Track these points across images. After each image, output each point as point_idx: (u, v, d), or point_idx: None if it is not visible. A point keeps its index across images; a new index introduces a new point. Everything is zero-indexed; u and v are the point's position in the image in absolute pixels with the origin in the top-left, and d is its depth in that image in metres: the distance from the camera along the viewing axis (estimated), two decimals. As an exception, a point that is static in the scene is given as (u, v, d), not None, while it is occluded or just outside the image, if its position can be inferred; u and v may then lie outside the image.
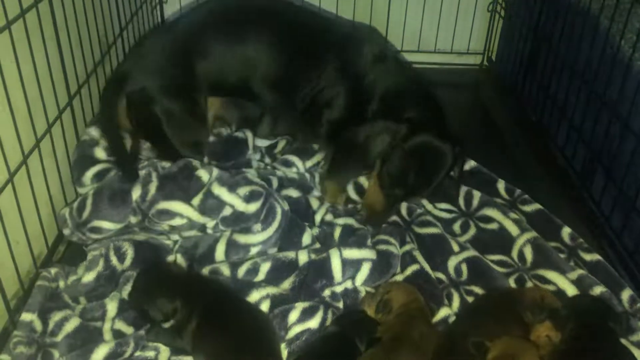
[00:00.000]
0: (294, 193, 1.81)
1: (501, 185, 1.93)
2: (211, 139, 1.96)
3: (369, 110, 1.81)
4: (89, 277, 1.47)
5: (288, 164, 1.96)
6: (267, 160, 2.02)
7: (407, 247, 1.66)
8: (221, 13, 1.88)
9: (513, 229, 1.70)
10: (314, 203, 1.80)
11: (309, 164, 1.96)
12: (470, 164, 2.01)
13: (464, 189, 1.87)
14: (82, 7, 1.80)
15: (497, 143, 2.29)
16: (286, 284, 1.54)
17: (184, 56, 1.78)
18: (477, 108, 2.61)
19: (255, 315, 1.41)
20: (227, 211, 1.61)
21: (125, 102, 1.72)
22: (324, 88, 1.86)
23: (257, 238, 1.61)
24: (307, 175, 1.93)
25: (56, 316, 1.39)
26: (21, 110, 1.44)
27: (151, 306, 1.35)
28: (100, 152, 1.74)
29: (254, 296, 1.47)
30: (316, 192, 1.88)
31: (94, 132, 1.78)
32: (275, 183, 1.84)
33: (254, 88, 1.89)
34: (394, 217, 1.79)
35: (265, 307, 1.45)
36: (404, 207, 1.82)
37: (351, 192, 1.87)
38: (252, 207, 1.61)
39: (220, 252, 1.60)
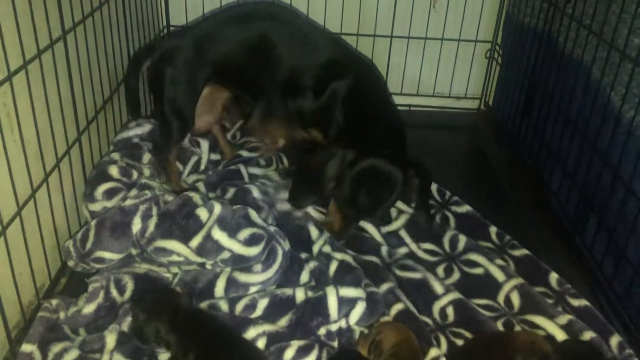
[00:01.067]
0: (290, 207, 1.93)
1: (493, 230, 1.97)
2: (209, 172, 2.08)
3: (332, 134, 2.00)
4: (89, 309, 1.50)
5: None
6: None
7: (389, 284, 1.68)
8: (240, 13, 2.12)
9: (499, 275, 1.73)
10: (314, 233, 1.84)
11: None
12: (464, 208, 2.06)
13: (450, 233, 1.91)
14: (95, 47, 1.88)
15: (492, 186, 2.34)
16: (283, 321, 1.56)
17: (201, 41, 2.00)
18: (474, 151, 2.67)
19: (252, 355, 1.43)
20: (225, 254, 1.63)
21: (150, 61, 2.02)
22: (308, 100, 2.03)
23: (257, 278, 1.64)
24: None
25: (56, 347, 1.42)
26: (32, 145, 1.50)
27: (149, 327, 1.41)
28: (114, 170, 1.81)
29: (250, 333, 1.49)
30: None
31: (115, 155, 1.91)
32: (271, 192, 1.96)
33: (252, 82, 2.07)
34: (374, 259, 1.83)
35: (261, 344, 1.48)
36: (384, 249, 1.86)
37: (310, 210, 1.98)
38: (253, 251, 1.64)
39: (219, 288, 1.62)
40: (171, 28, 2.71)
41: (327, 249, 1.81)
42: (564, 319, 1.58)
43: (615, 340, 1.53)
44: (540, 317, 1.60)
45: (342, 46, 2.21)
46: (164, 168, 1.98)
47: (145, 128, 2.09)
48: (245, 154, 2.19)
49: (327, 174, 1.82)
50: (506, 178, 2.38)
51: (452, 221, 2.03)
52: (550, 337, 1.54)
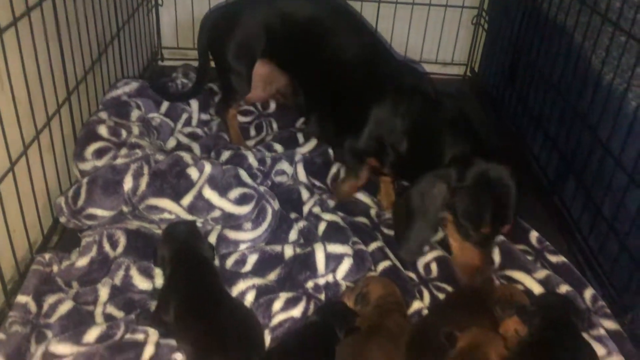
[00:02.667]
0: (285, 179, 1.93)
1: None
2: (198, 131, 2.12)
3: (394, 151, 1.80)
4: (82, 262, 1.54)
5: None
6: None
7: (378, 243, 1.73)
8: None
9: None
10: (304, 194, 1.88)
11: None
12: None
13: None
14: (83, 8, 1.88)
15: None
16: (272, 276, 1.62)
17: (261, 11, 2.09)
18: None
19: (237, 303, 1.48)
20: (216, 213, 1.67)
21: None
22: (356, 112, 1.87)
23: (247, 236, 1.68)
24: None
25: (50, 299, 1.46)
26: (23, 103, 1.52)
27: (160, 248, 1.54)
28: (103, 130, 1.82)
29: (240, 286, 1.54)
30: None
31: (103, 114, 1.91)
32: (269, 162, 1.94)
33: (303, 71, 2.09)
34: (363, 220, 1.86)
35: (251, 296, 1.53)
36: (373, 211, 1.91)
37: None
38: (243, 210, 1.67)
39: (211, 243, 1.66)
40: (159, -10, 2.70)
41: (316, 209, 1.85)
42: (542, 274, 1.65)
43: (589, 293, 1.60)
44: (519, 273, 1.66)
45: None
46: (224, 125, 2.19)
47: (133, 86, 2.10)
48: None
49: (436, 203, 1.55)
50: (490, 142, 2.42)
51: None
52: (528, 291, 1.61)
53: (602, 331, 1.46)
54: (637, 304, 1.50)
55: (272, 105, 2.39)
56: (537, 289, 1.61)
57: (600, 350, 1.41)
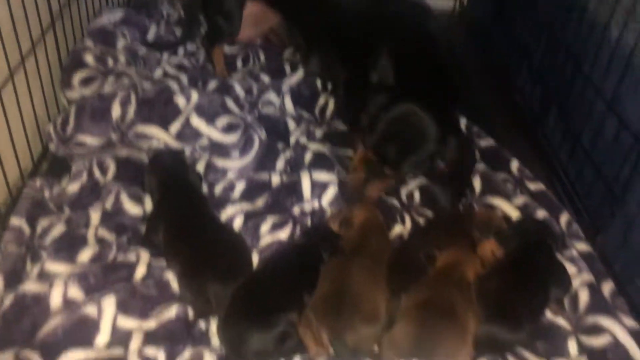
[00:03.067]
0: (272, 110, 1.94)
1: (462, 121, 2.06)
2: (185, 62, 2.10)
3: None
4: (73, 188, 1.58)
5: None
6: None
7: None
8: None
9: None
10: (291, 124, 1.91)
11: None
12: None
13: None
14: None
15: (463, 81, 2.39)
16: (259, 202, 1.66)
17: None
18: (448, 49, 2.71)
19: (225, 227, 1.54)
20: (204, 141, 1.70)
21: None
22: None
23: (234, 164, 1.72)
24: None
25: (43, 222, 1.50)
26: (7, 30, 1.51)
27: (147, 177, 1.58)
28: (90, 58, 1.83)
29: (229, 211, 1.59)
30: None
31: (89, 42, 1.90)
32: (255, 92, 1.95)
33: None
34: (350, 152, 1.86)
35: (239, 221, 1.57)
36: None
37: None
38: (231, 138, 1.70)
39: (199, 171, 1.70)
40: None
41: (303, 140, 1.88)
42: (520, 200, 1.70)
43: (564, 218, 1.66)
44: (499, 199, 1.72)
45: None
46: (210, 60, 2.16)
47: (119, 15, 2.09)
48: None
49: (370, 110, 1.65)
50: (477, 75, 2.44)
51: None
52: (507, 216, 1.67)
53: (574, 252, 1.53)
54: (607, 227, 1.56)
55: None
56: (515, 215, 1.67)
57: (571, 269, 1.48)
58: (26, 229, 1.48)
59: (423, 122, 1.59)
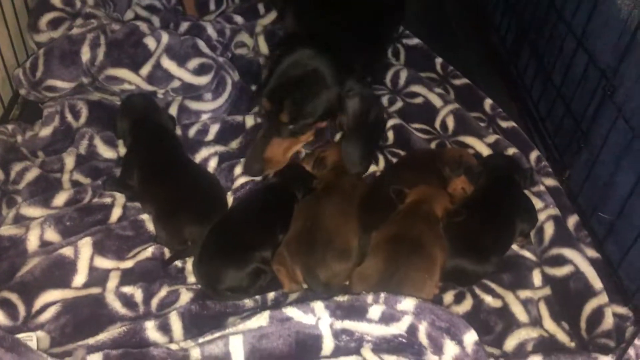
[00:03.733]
0: (246, 51, 1.93)
1: (438, 61, 2.05)
2: (156, 3, 2.06)
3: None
4: (45, 132, 1.57)
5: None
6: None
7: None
8: None
9: (437, 102, 1.83)
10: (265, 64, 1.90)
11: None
12: (414, 41, 2.12)
13: (392, 69, 1.96)
14: None
15: (441, 22, 2.39)
16: (233, 144, 1.68)
17: None
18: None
19: (199, 168, 1.55)
20: (176, 83, 1.68)
21: None
22: None
23: (208, 106, 1.72)
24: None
25: (17, 167, 1.51)
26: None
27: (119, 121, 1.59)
28: (56, 0, 1.77)
29: (202, 153, 1.60)
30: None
31: None
32: (228, 33, 1.93)
33: None
34: None
35: (213, 162, 1.59)
36: None
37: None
38: (203, 80, 1.69)
39: (172, 114, 1.70)
40: None
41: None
42: (492, 138, 1.73)
43: (534, 154, 1.70)
44: (471, 137, 1.75)
45: None
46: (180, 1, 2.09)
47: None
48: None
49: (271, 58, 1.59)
50: (454, 14, 2.42)
51: (402, 54, 2.09)
52: (478, 154, 1.70)
53: (542, 187, 1.57)
54: (575, 162, 1.60)
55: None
56: (486, 152, 1.70)
57: (538, 204, 1.52)
58: (0, 174, 1.48)
59: (315, 70, 1.47)
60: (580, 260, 1.39)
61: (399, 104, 1.89)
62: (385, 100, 1.90)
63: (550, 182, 1.62)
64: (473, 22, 2.34)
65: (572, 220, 1.53)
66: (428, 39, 2.13)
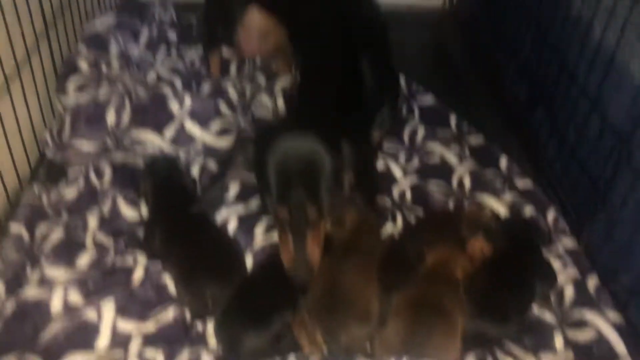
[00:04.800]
0: (266, 112, 1.97)
1: (453, 118, 2.10)
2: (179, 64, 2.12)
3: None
4: (70, 193, 1.61)
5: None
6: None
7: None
8: None
9: (453, 160, 1.87)
10: None
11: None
12: (428, 98, 2.17)
13: (410, 126, 2.00)
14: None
15: (453, 78, 2.45)
16: (253, 204, 1.70)
17: None
18: (438, 46, 2.75)
19: (218, 230, 1.57)
20: (198, 145, 1.73)
21: None
22: None
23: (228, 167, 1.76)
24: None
25: (42, 228, 1.53)
26: (2, 40, 1.54)
27: (143, 181, 1.62)
28: (84, 64, 1.85)
29: (223, 214, 1.62)
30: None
31: (83, 49, 1.93)
32: (248, 94, 1.99)
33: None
34: None
35: (233, 223, 1.61)
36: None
37: None
38: (224, 142, 1.73)
39: (193, 174, 1.73)
40: None
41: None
42: (509, 197, 1.74)
43: (551, 214, 1.70)
44: (488, 196, 1.76)
45: None
46: (206, 63, 2.16)
47: (112, 20, 2.11)
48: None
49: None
50: (466, 71, 2.49)
51: (416, 111, 2.14)
52: (495, 213, 1.71)
53: (560, 248, 1.58)
54: (593, 223, 1.61)
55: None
56: (503, 211, 1.71)
57: (557, 264, 1.52)
58: (25, 235, 1.51)
59: (309, 152, 1.35)
60: (603, 324, 1.38)
61: (415, 162, 1.92)
62: (402, 157, 1.93)
63: (569, 242, 1.62)
64: (485, 79, 2.39)
65: (592, 282, 1.53)
66: (441, 95, 2.19)
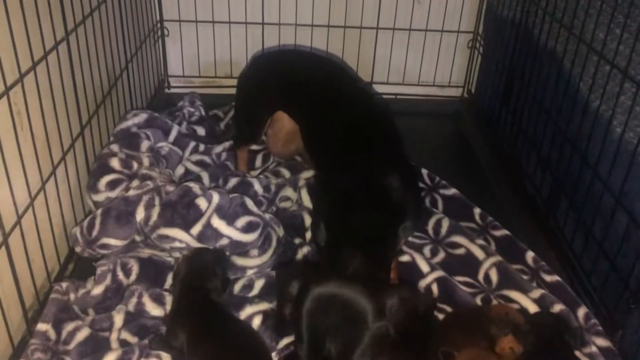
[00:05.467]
0: (290, 204, 2.02)
1: (476, 211, 2.11)
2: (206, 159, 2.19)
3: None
4: (97, 291, 1.62)
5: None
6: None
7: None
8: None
9: (479, 254, 1.86)
10: (307, 219, 1.96)
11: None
12: (451, 191, 2.20)
13: (434, 218, 2.02)
14: (94, 44, 1.98)
15: (474, 170, 2.48)
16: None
17: (272, 69, 2.18)
18: (457, 137, 2.81)
19: (244, 326, 1.56)
20: (224, 241, 1.74)
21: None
22: None
23: (253, 262, 1.76)
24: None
25: (68, 326, 1.54)
26: (41, 140, 1.61)
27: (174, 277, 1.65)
28: (115, 162, 1.91)
29: (247, 310, 1.62)
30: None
31: (114, 147, 2.00)
32: (273, 188, 2.02)
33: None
34: None
35: (258, 320, 1.60)
36: None
37: None
38: (250, 237, 1.75)
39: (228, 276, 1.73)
40: (164, 22, 2.80)
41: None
42: (537, 293, 1.72)
43: (582, 311, 1.67)
44: (516, 292, 1.74)
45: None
46: (233, 159, 2.28)
47: (142, 117, 2.19)
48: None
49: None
50: (487, 162, 2.52)
51: (440, 204, 2.16)
52: (524, 310, 1.68)
53: (594, 348, 1.53)
54: (626, 321, 1.56)
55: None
56: (532, 308, 1.68)
57: (591, 366, 1.47)
58: (52, 334, 1.52)
59: (354, 305, 1.24)
60: None
61: (441, 255, 1.92)
62: (427, 251, 1.93)
63: (602, 342, 1.57)
64: (507, 171, 2.41)
65: (629, 385, 1.48)
66: (463, 187, 2.21)
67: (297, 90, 2.04)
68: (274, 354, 1.53)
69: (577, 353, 1.51)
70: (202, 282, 1.59)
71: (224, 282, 1.66)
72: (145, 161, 1.97)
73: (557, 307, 1.66)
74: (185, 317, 1.52)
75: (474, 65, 2.96)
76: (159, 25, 2.80)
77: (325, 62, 2.22)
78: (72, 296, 1.64)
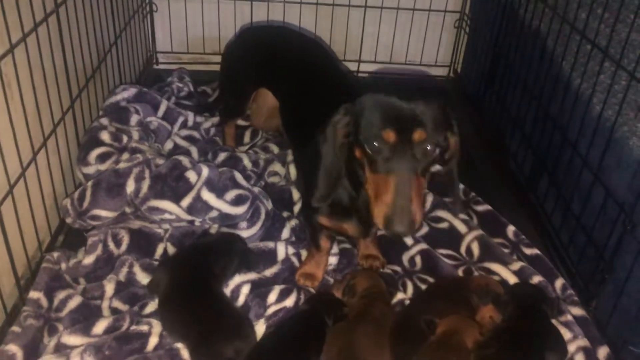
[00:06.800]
0: (278, 179, 2.04)
1: (460, 187, 2.15)
2: (195, 134, 2.22)
3: None
4: (88, 260, 1.65)
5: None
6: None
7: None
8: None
9: (462, 228, 1.91)
10: (295, 194, 2.00)
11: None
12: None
13: None
14: (84, 19, 1.98)
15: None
16: (266, 272, 1.74)
17: (252, 47, 2.18)
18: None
19: (227, 300, 1.60)
20: (214, 213, 1.77)
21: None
22: None
23: (242, 234, 1.80)
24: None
25: (60, 294, 1.57)
26: (31, 113, 1.62)
27: None
28: (105, 136, 1.93)
29: (236, 280, 1.66)
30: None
31: (104, 120, 2.01)
32: (262, 163, 2.06)
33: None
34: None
35: (246, 289, 1.64)
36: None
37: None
38: (239, 210, 1.78)
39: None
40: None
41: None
42: (517, 265, 1.77)
43: (559, 282, 1.73)
44: (496, 264, 1.79)
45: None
46: (221, 135, 2.30)
47: (132, 92, 2.20)
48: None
49: (338, 135, 1.40)
50: (471, 141, 2.56)
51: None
52: (504, 281, 1.73)
53: (569, 317, 1.59)
54: (601, 292, 1.63)
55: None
56: (512, 280, 1.74)
57: (567, 334, 1.54)
58: (44, 301, 1.55)
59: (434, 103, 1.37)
60: (615, 395, 1.39)
61: (425, 229, 1.96)
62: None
63: (578, 311, 1.64)
64: (489, 148, 2.46)
65: (602, 352, 1.54)
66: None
67: (275, 67, 2.05)
68: (262, 321, 1.57)
69: (554, 321, 1.57)
70: (211, 264, 1.62)
71: (230, 261, 1.68)
72: (135, 135, 1.99)
73: (536, 279, 1.72)
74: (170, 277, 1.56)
75: (460, 45, 2.99)
76: (147, 0, 2.79)
77: (305, 40, 2.22)
78: (63, 266, 1.67)
